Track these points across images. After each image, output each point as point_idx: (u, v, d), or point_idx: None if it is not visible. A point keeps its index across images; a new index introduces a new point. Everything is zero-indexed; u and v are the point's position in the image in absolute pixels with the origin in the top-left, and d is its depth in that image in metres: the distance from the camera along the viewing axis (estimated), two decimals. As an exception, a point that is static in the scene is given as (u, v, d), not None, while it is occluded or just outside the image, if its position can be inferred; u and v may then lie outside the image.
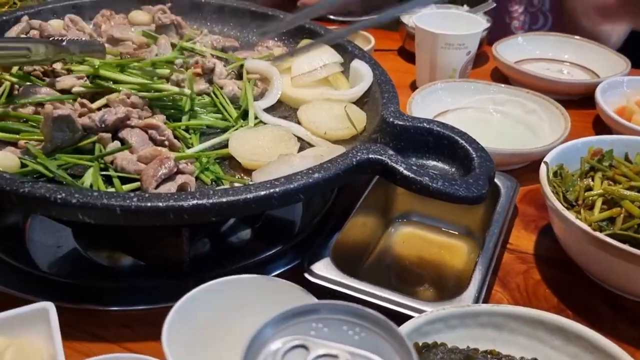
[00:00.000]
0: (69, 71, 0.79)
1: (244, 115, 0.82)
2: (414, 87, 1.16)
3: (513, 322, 0.57)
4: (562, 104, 0.99)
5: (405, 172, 0.64)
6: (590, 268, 0.71)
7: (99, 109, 0.74)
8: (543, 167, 0.73)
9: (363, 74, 0.86)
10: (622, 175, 0.71)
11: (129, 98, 0.74)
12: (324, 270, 0.64)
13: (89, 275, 0.71)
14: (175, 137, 0.74)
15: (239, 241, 0.78)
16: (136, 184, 0.67)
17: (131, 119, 0.72)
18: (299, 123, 0.82)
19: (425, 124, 0.72)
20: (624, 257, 0.62)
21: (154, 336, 0.58)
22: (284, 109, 0.87)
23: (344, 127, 0.79)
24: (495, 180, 0.77)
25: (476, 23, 1.13)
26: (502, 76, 1.22)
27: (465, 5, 1.35)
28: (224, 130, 0.79)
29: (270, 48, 0.97)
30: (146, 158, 0.68)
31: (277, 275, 0.68)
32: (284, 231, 0.79)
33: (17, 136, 0.71)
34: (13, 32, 0.90)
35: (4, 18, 0.93)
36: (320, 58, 0.89)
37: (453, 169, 0.70)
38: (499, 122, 1.02)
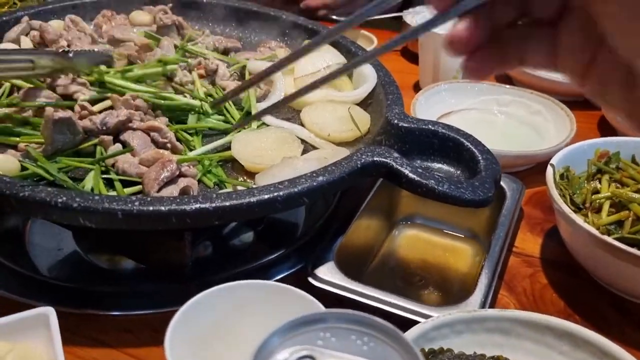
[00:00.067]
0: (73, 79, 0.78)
1: (247, 117, 0.81)
2: (417, 88, 1.16)
3: (520, 327, 0.57)
4: (566, 105, 0.98)
5: (410, 175, 0.63)
6: (597, 272, 0.70)
7: (100, 111, 0.73)
8: (549, 169, 0.72)
9: (367, 75, 0.86)
10: (630, 177, 0.70)
11: (134, 100, 0.73)
12: (328, 274, 0.63)
13: (89, 279, 0.71)
14: (178, 139, 0.74)
15: (241, 244, 0.77)
16: (138, 188, 0.66)
17: (133, 121, 0.72)
18: (302, 125, 0.81)
19: (430, 126, 0.71)
20: (632, 261, 0.61)
21: (155, 341, 0.57)
22: (287, 110, 0.86)
23: (347, 129, 0.78)
24: (501, 182, 0.76)
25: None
26: (506, 77, 1.21)
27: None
28: (227, 132, 0.78)
29: (273, 49, 0.96)
30: (148, 161, 0.67)
31: (281, 279, 0.68)
32: (286, 234, 0.79)
33: (17, 139, 0.70)
34: (13, 32, 0.89)
35: (4, 18, 0.92)
36: (324, 59, 0.88)
37: (458, 172, 0.70)
38: (504, 123, 1.02)
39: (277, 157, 0.71)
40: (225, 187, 0.69)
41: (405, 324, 0.58)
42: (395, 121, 0.73)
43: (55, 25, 0.92)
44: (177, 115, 0.78)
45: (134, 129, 0.71)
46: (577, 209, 0.69)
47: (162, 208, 0.57)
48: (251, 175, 0.71)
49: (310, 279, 0.63)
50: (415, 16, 1.22)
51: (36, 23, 0.91)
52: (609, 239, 0.62)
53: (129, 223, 0.57)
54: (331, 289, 0.63)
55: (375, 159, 0.65)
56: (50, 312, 0.54)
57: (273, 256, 0.72)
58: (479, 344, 0.56)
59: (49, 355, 0.53)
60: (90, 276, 0.72)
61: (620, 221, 0.65)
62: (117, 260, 0.73)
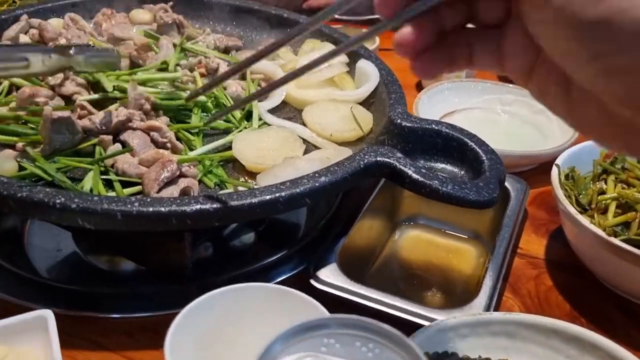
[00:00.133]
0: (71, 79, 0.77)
1: (248, 116, 0.80)
2: (420, 87, 1.15)
3: (526, 330, 0.56)
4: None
5: (414, 175, 0.62)
6: (603, 274, 0.69)
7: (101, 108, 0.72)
8: (555, 169, 0.71)
9: (369, 74, 0.85)
10: (636, 178, 0.69)
11: (146, 101, 0.72)
12: (330, 276, 0.62)
13: (89, 281, 0.70)
14: (178, 139, 0.73)
15: (242, 245, 0.76)
16: (138, 188, 0.65)
17: (133, 121, 0.71)
18: (304, 124, 0.80)
19: (433, 126, 0.70)
20: (638, 263, 0.61)
21: (155, 344, 0.57)
22: (289, 110, 0.85)
23: (350, 128, 0.77)
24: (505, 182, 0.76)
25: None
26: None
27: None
28: (228, 131, 0.77)
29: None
30: (148, 161, 0.66)
31: (282, 281, 0.67)
32: (288, 235, 0.78)
33: (15, 138, 0.69)
34: (12, 31, 0.88)
35: (3, 17, 0.91)
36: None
37: (462, 172, 0.69)
38: (507, 123, 1.01)
39: (278, 157, 0.70)
40: (226, 187, 0.68)
41: (409, 326, 0.57)
42: (398, 121, 0.72)
43: (54, 24, 0.92)
44: (177, 114, 0.77)
45: (134, 129, 0.70)
46: (583, 209, 0.68)
47: (162, 209, 0.56)
48: (252, 175, 0.70)
49: (313, 281, 0.63)
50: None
51: (35, 21, 0.90)
52: (616, 241, 0.61)
53: (129, 224, 0.56)
54: (334, 291, 0.62)
55: (378, 159, 0.64)
56: (48, 314, 0.54)
57: (274, 257, 0.71)
58: (484, 348, 0.56)
59: (47, 359, 0.52)
60: (90, 278, 0.71)
61: (627, 222, 0.64)
62: (116, 262, 0.72)
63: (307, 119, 0.80)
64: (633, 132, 0.33)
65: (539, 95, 0.37)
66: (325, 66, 0.86)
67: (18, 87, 0.75)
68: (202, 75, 0.85)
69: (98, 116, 0.70)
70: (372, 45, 1.18)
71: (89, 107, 0.71)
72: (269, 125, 0.79)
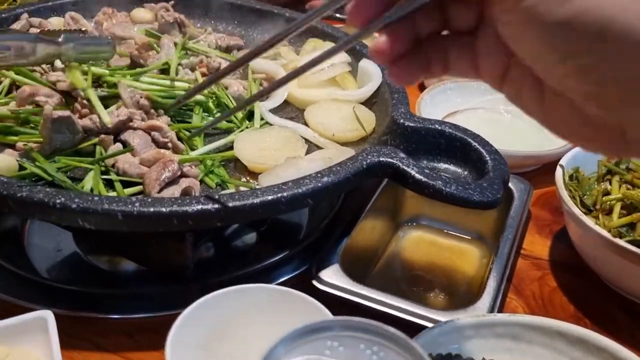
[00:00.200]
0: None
1: (250, 116, 0.80)
2: (422, 87, 1.14)
3: (531, 332, 0.55)
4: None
5: (417, 175, 0.62)
6: (607, 275, 0.69)
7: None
8: (559, 170, 0.71)
9: (371, 73, 0.84)
10: (641, 178, 0.69)
11: (142, 99, 0.72)
12: (333, 277, 0.62)
13: (89, 281, 0.69)
14: (179, 138, 0.72)
15: (244, 245, 0.76)
16: (138, 188, 0.64)
17: (134, 120, 0.70)
18: (306, 124, 0.80)
19: (436, 126, 0.70)
20: (644, 264, 0.60)
21: (156, 346, 0.56)
22: (291, 109, 0.85)
23: (352, 128, 0.77)
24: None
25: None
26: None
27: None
28: (229, 131, 0.77)
29: (276, 47, 0.95)
30: (149, 161, 0.66)
31: (284, 282, 0.66)
32: (290, 235, 0.77)
33: (15, 138, 0.68)
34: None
35: (3, 15, 0.91)
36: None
37: (466, 172, 0.68)
38: (510, 123, 1.00)
39: (280, 157, 0.70)
40: (227, 187, 0.68)
41: (412, 328, 0.56)
42: (401, 121, 0.71)
43: (55, 23, 0.91)
44: (179, 114, 0.77)
45: (135, 129, 0.70)
46: (588, 210, 0.68)
47: (163, 209, 0.55)
48: (254, 175, 0.70)
49: (315, 282, 0.62)
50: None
51: (36, 20, 0.90)
52: (621, 242, 0.61)
53: (129, 224, 0.56)
54: (336, 292, 0.61)
55: (381, 159, 0.63)
56: (48, 315, 0.53)
57: (276, 258, 0.71)
58: (488, 349, 0.55)
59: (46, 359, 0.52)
60: (90, 278, 0.70)
61: (632, 223, 0.64)
62: (117, 262, 0.72)
63: (309, 118, 0.80)
64: (607, 132, 0.33)
65: (513, 98, 0.38)
66: (327, 66, 0.86)
67: (18, 86, 0.75)
68: (203, 74, 0.84)
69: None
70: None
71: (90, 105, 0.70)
72: (271, 125, 0.79)
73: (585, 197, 0.69)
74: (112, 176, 0.65)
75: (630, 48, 0.29)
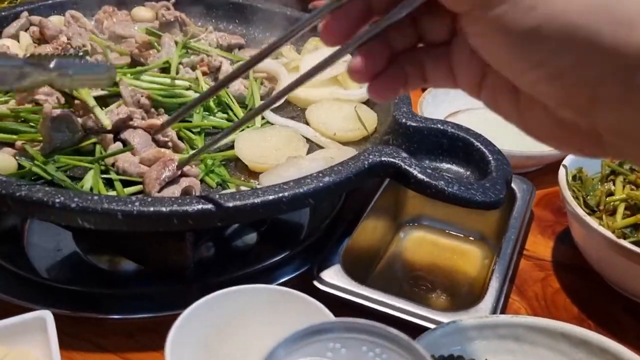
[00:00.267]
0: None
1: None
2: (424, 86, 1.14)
3: (534, 334, 0.55)
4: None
5: (419, 175, 0.61)
6: (611, 276, 0.68)
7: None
8: (562, 170, 0.70)
9: (373, 72, 0.84)
10: (645, 179, 0.68)
11: (142, 97, 0.71)
12: (334, 278, 0.62)
13: (89, 281, 0.69)
14: (180, 137, 0.72)
15: (244, 245, 0.75)
16: (138, 187, 0.64)
17: (134, 119, 0.70)
18: (307, 124, 0.79)
19: (439, 125, 0.70)
20: (648, 265, 0.60)
21: (156, 346, 0.56)
22: (292, 109, 0.85)
23: (354, 128, 0.76)
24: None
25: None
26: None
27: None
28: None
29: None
30: (149, 160, 0.65)
31: (285, 282, 0.66)
32: (291, 235, 0.77)
33: (14, 136, 0.68)
34: (12, 28, 0.87)
35: (3, 14, 0.90)
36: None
37: (468, 172, 0.68)
38: (512, 123, 1.00)
39: (281, 156, 0.69)
40: (228, 187, 0.67)
41: (414, 329, 0.56)
42: (403, 120, 0.71)
43: (55, 21, 0.91)
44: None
45: (135, 127, 0.69)
46: (591, 211, 0.67)
47: (163, 209, 0.55)
48: (255, 175, 0.69)
49: (316, 283, 0.62)
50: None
51: (36, 18, 0.89)
52: (625, 243, 0.60)
53: (129, 224, 0.55)
54: (337, 293, 0.61)
55: (383, 159, 0.63)
56: (47, 315, 0.53)
57: (277, 258, 0.70)
58: (490, 351, 0.55)
59: (45, 360, 0.52)
60: (90, 278, 0.70)
61: (636, 224, 0.63)
62: (117, 262, 0.71)
63: (311, 118, 0.79)
64: (581, 135, 0.33)
65: (491, 105, 0.38)
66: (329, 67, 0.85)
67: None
68: (204, 73, 0.84)
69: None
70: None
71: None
72: (272, 124, 0.78)
73: (588, 197, 0.68)
74: (112, 175, 0.65)
75: (597, 53, 0.29)
